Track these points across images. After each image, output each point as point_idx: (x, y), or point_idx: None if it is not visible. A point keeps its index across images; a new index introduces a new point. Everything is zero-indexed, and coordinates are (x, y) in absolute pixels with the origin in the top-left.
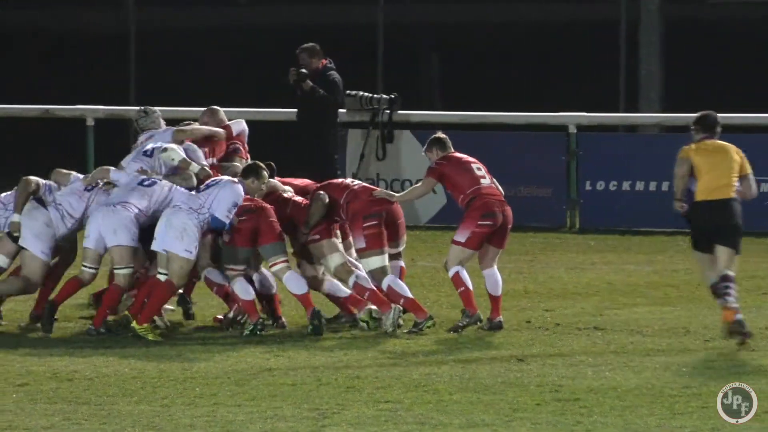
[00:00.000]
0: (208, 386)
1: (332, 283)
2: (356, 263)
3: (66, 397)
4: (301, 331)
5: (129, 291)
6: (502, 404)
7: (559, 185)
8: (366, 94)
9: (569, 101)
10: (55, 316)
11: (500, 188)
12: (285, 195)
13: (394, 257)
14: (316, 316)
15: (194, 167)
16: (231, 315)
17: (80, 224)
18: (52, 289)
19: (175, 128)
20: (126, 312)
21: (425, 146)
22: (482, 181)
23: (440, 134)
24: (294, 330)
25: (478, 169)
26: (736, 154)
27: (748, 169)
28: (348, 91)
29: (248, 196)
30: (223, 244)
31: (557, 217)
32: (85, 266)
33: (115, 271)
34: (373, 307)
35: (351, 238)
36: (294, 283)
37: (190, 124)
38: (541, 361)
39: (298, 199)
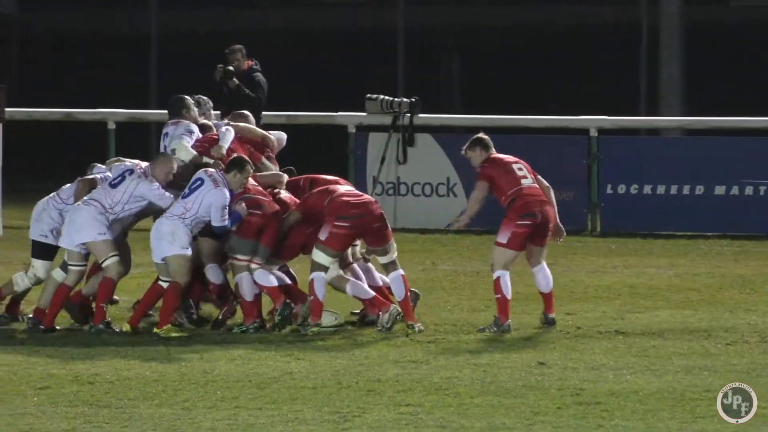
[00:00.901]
0: (229, 389)
1: (355, 284)
2: (358, 269)
3: (87, 400)
4: (321, 334)
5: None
6: (523, 407)
7: (580, 188)
8: (387, 97)
9: (590, 104)
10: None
11: (545, 184)
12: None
13: (389, 266)
14: (286, 307)
15: (217, 148)
16: (221, 316)
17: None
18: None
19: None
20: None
21: (467, 145)
22: (523, 181)
23: (482, 135)
24: (310, 333)
25: (520, 169)
26: None
27: None
28: (369, 95)
29: (264, 191)
30: (231, 234)
31: (579, 221)
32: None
33: (102, 265)
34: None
35: (322, 232)
36: (263, 278)
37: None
38: (562, 365)
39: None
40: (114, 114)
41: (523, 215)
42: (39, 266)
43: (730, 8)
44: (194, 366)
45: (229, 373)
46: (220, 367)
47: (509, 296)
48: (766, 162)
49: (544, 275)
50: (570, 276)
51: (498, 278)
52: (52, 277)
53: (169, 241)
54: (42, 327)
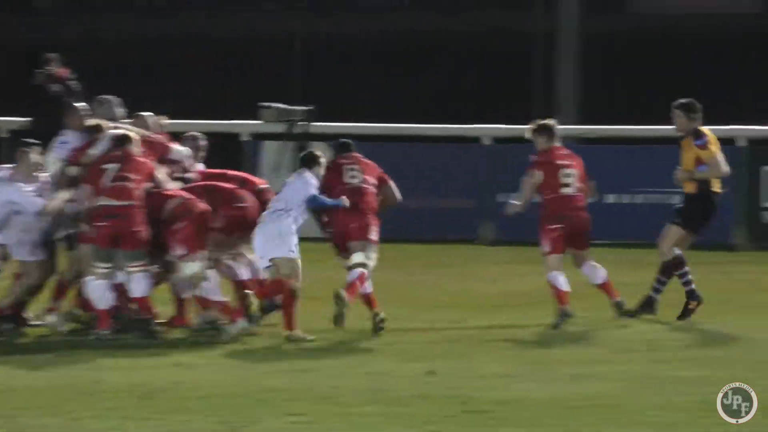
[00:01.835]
0: (116, 399)
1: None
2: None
3: None
4: (210, 342)
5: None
6: (411, 417)
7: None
8: (283, 105)
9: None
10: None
11: (592, 192)
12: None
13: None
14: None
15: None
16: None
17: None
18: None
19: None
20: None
21: (534, 128)
22: (562, 189)
23: (551, 122)
24: (203, 341)
25: (567, 176)
26: None
27: None
28: (263, 103)
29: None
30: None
31: (471, 230)
32: None
33: None
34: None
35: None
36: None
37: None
38: (450, 373)
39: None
40: None
41: (553, 219)
42: None
43: (626, 15)
44: (82, 375)
45: (116, 383)
46: (107, 377)
47: (563, 288)
48: (658, 171)
49: (592, 269)
50: (462, 284)
51: (550, 279)
52: None
53: (277, 244)
54: None
